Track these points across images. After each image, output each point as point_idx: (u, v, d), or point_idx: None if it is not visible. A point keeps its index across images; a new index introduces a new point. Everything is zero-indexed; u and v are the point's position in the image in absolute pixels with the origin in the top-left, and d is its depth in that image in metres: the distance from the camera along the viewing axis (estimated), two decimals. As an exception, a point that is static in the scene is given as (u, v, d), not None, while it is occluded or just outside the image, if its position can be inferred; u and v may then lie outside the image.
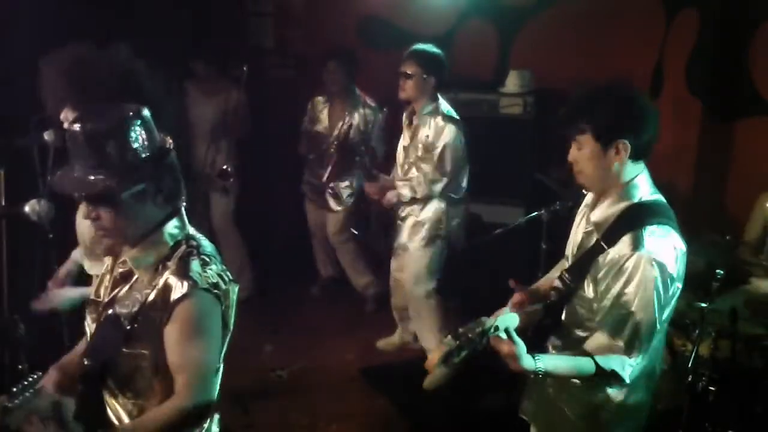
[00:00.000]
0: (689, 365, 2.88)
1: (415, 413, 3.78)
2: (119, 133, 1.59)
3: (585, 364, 1.85)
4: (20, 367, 2.76)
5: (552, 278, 2.25)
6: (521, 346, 1.72)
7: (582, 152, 1.95)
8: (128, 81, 1.60)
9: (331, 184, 4.80)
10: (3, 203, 2.92)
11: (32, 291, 2.59)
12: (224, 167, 4.64)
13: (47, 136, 2.64)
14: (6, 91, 3.45)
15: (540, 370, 1.75)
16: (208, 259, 1.70)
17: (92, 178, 1.59)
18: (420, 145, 3.87)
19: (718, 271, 2.94)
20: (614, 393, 2.04)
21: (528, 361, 1.73)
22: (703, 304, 2.90)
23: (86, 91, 1.56)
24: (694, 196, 4.00)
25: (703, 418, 2.94)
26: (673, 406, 2.94)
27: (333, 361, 4.30)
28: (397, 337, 4.46)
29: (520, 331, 1.82)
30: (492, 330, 1.72)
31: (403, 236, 4.03)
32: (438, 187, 3.85)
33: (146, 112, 1.65)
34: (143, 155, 1.62)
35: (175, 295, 1.61)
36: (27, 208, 2.47)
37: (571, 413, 2.12)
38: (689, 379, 2.89)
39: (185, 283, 1.62)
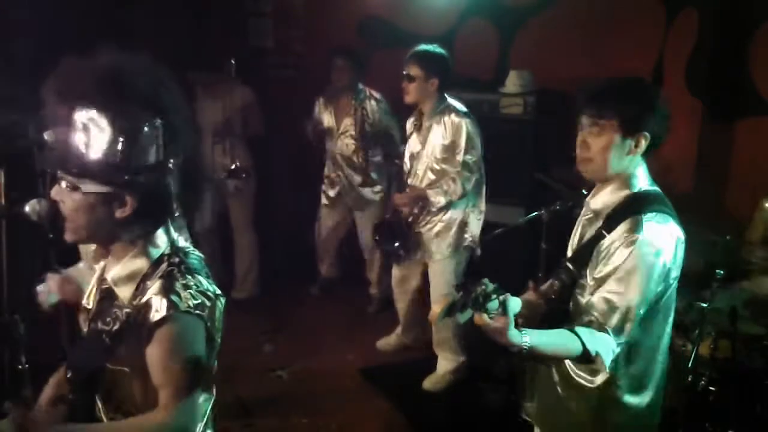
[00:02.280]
0: (689, 365, 2.88)
1: (415, 413, 3.78)
2: (115, 132, 1.52)
3: (572, 344, 1.83)
4: (20, 367, 2.76)
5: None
6: (511, 321, 1.70)
7: (600, 138, 1.97)
8: (123, 83, 1.54)
9: (359, 185, 4.76)
10: (3, 203, 2.92)
11: (32, 291, 2.58)
12: (233, 166, 4.65)
13: (47, 136, 2.63)
14: (6, 90, 3.46)
15: (526, 345, 1.73)
16: (191, 277, 1.64)
17: (69, 158, 1.58)
18: (437, 147, 3.75)
19: (718, 271, 2.94)
20: (624, 393, 2.03)
21: (516, 336, 1.71)
22: (703, 304, 2.90)
23: (77, 96, 1.52)
24: (694, 196, 4.00)
25: (703, 418, 2.94)
26: (673, 406, 2.94)
27: (333, 361, 4.30)
28: (397, 338, 4.46)
29: (526, 323, 1.81)
30: (493, 295, 1.67)
31: (429, 246, 3.88)
32: (470, 185, 3.73)
33: (148, 126, 1.55)
34: (120, 162, 1.53)
35: (155, 318, 1.58)
36: (27, 208, 2.45)
37: (580, 414, 2.10)
38: (689, 379, 2.89)
39: (165, 306, 1.57)
